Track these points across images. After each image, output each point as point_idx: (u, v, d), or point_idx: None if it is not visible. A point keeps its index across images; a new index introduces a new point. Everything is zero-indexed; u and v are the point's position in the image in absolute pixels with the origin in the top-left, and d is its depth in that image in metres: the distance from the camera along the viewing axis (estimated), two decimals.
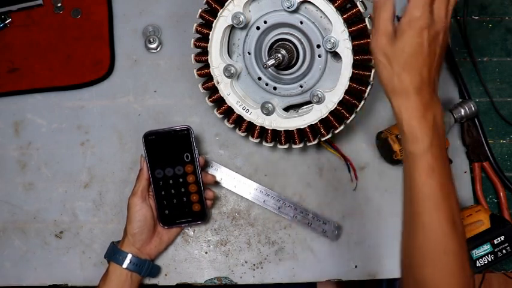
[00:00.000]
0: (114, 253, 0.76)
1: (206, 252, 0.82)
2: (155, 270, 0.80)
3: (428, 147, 0.59)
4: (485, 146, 0.86)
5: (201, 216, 0.79)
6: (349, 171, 0.86)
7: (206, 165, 0.83)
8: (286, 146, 0.78)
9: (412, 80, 0.57)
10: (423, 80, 0.57)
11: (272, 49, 0.72)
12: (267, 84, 0.77)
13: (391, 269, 0.82)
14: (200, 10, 0.75)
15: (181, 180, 0.77)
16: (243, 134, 0.80)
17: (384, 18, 0.59)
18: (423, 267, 0.60)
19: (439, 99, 0.60)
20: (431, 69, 0.58)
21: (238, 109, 0.77)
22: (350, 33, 0.68)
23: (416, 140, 0.58)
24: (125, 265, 0.74)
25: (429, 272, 0.60)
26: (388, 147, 0.81)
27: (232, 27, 0.75)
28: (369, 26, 0.68)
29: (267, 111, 0.75)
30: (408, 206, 0.62)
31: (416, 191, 0.59)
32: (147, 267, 0.77)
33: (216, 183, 0.83)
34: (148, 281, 0.81)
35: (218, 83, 0.77)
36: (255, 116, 0.77)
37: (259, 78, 0.77)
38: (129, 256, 0.75)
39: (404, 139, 0.60)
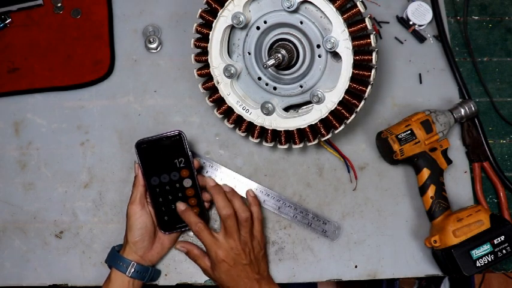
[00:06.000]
0: (116, 260, 0.75)
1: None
2: (156, 275, 0.80)
3: None
4: (485, 146, 0.86)
5: (201, 219, 0.79)
6: (349, 171, 0.86)
7: (201, 167, 0.83)
8: (286, 146, 0.78)
9: None
10: None
11: (272, 49, 0.72)
12: (267, 84, 0.77)
13: (391, 269, 0.82)
14: (200, 10, 0.75)
15: (177, 185, 0.77)
16: (243, 134, 0.80)
17: (200, 261, 0.78)
18: None
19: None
20: (249, 275, 0.75)
21: (238, 109, 0.77)
22: (350, 33, 0.68)
23: None
24: (128, 273, 0.74)
25: None
26: (388, 147, 0.81)
27: (232, 27, 0.75)
28: (369, 26, 0.68)
29: (267, 111, 0.75)
30: None
31: None
32: (149, 274, 0.77)
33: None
34: (149, 282, 0.81)
35: (218, 83, 0.77)
36: (255, 116, 0.77)
37: (259, 78, 0.77)
38: (133, 264, 0.75)
39: None
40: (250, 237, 0.76)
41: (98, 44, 0.89)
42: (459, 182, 0.86)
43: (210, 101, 0.80)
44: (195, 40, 0.77)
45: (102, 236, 0.83)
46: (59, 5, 0.90)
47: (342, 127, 0.75)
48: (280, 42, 0.72)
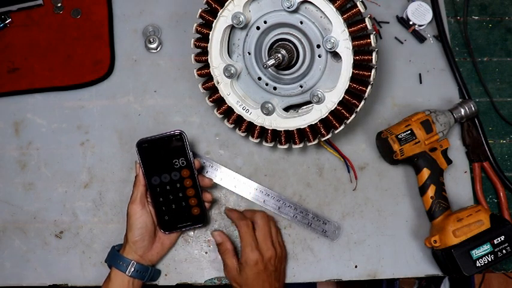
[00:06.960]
0: (116, 259, 0.75)
1: (206, 252, 0.82)
2: (156, 275, 0.80)
3: None
4: (485, 146, 0.86)
5: (201, 219, 0.79)
6: (349, 171, 0.86)
7: (202, 167, 0.83)
8: (286, 146, 0.78)
9: None
10: None
11: (272, 49, 0.72)
12: (267, 84, 0.77)
13: (391, 269, 0.82)
14: (200, 10, 0.75)
15: (178, 185, 0.77)
16: (243, 134, 0.80)
17: (228, 258, 0.77)
18: None
19: None
20: (272, 282, 0.76)
21: (238, 109, 0.77)
22: (350, 33, 0.68)
23: None
24: (128, 272, 0.74)
25: None
26: (388, 147, 0.81)
27: (232, 27, 0.75)
28: (369, 26, 0.68)
29: (267, 111, 0.75)
30: None
31: None
32: (149, 274, 0.77)
33: (213, 186, 0.83)
34: (149, 282, 0.81)
35: (218, 83, 0.77)
36: (255, 116, 0.77)
37: (259, 78, 0.77)
38: (132, 263, 0.75)
39: None
40: (279, 246, 0.78)
41: (98, 44, 0.89)
42: (459, 182, 0.86)
43: (210, 101, 0.80)
44: (195, 40, 0.77)
45: (102, 236, 0.83)
46: (59, 5, 0.90)
47: (342, 127, 0.75)
48: (280, 42, 0.72)
